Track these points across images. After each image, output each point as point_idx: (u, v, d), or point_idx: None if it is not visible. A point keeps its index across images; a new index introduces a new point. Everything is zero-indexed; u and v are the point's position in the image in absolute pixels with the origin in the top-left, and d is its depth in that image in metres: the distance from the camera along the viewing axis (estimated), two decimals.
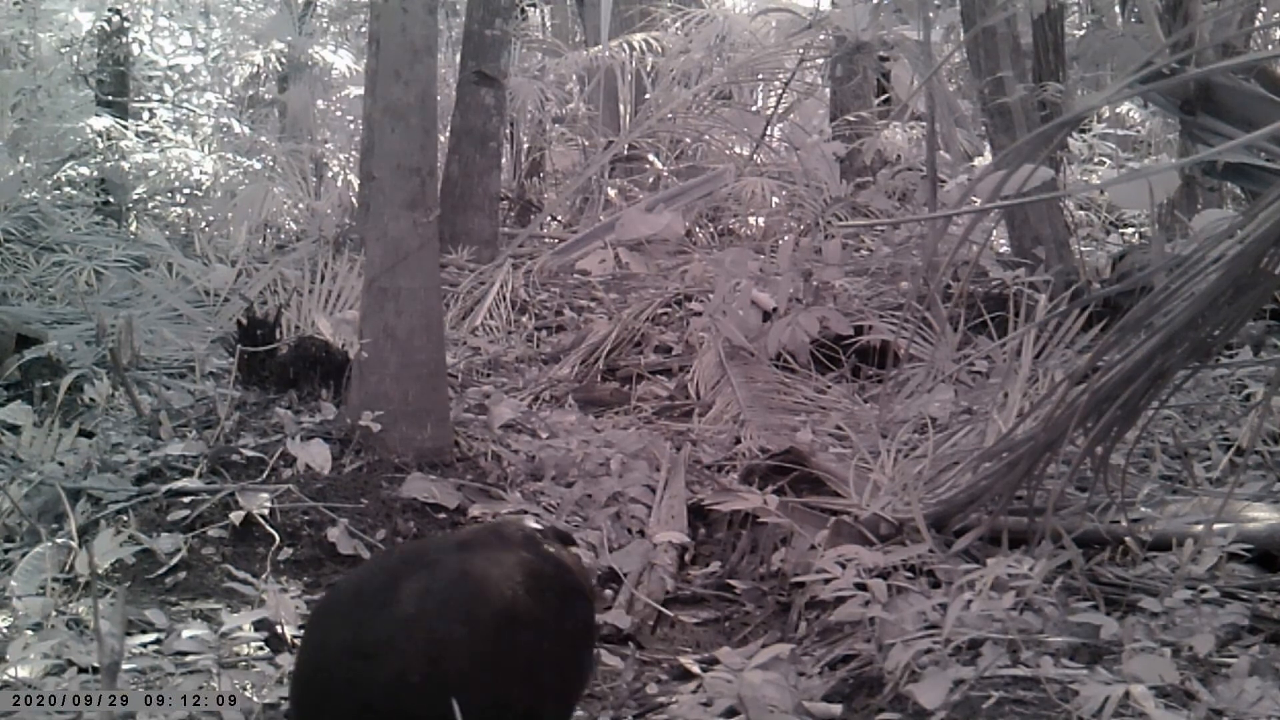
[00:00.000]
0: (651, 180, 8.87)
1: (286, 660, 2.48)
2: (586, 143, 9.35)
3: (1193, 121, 2.77)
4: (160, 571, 3.18)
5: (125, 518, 3.34)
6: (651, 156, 9.01)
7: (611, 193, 8.67)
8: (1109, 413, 2.65)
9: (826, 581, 2.83)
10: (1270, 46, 7.03)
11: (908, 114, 8.38)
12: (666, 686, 2.81)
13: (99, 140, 10.22)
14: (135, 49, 11.71)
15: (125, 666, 2.45)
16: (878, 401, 4.78)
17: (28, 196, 7.93)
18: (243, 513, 3.37)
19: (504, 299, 6.47)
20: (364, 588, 2.00)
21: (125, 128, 10.56)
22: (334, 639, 1.88)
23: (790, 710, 2.35)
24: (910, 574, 2.85)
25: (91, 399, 4.25)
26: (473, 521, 3.68)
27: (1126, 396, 2.62)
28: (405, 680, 1.78)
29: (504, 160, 8.63)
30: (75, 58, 11.39)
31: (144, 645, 2.74)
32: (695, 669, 2.83)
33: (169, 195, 10.95)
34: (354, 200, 8.40)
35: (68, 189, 10.02)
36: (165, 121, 11.65)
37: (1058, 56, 7.20)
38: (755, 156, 8.11)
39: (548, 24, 11.72)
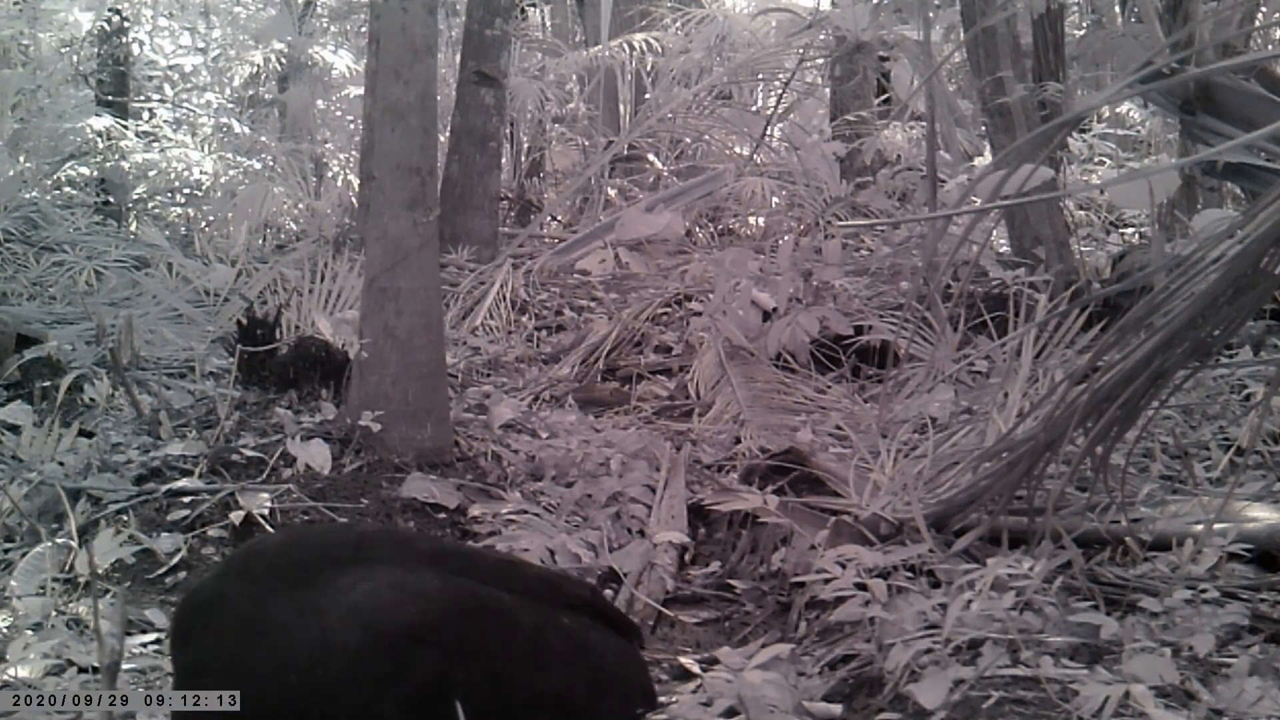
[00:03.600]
0: (651, 180, 8.86)
1: None
2: (586, 143, 9.35)
3: (1193, 121, 2.76)
4: (160, 571, 3.18)
5: (125, 518, 3.34)
6: (651, 156, 9.01)
7: (611, 193, 8.67)
8: (1109, 413, 2.65)
9: (826, 581, 2.83)
10: (1270, 46, 7.03)
11: (908, 114, 8.37)
12: (666, 686, 2.80)
13: (99, 140, 10.22)
14: (135, 49, 11.71)
15: (125, 666, 2.45)
16: (878, 401, 4.78)
17: (28, 196, 7.93)
18: (243, 513, 3.37)
19: (504, 299, 6.47)
20: (289, 559, 1.86)
21: (125, 128, 10.56)
22: (232, 597, 1.77)
23: (790, 710, 2.35)
24: (910, 574, 2.85)
25: (91, 399, 4.25)
26: (473, 521, 3.68)
27: (1126, 396, 2.62)
28: (285, 673, 1.69)
29: (504, 160, 8.62)
30: (75, 58, 11.38)
31: (144, 645, 2.74)
32: (695, 669, 2.83)
33: (169, 195, 10.95)
34: (354, 200, 8.40)
35: (68, 189, 10.02)
36: (165, 121, 11.65)
37: (1058, 56, 7.20)
38: (755, 156, 8.11)
39: (548, 24, 11.71)
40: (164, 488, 3.49)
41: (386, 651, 1.74)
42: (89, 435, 3.92)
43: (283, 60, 11.11)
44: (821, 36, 7.73)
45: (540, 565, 3.33)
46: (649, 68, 9.08)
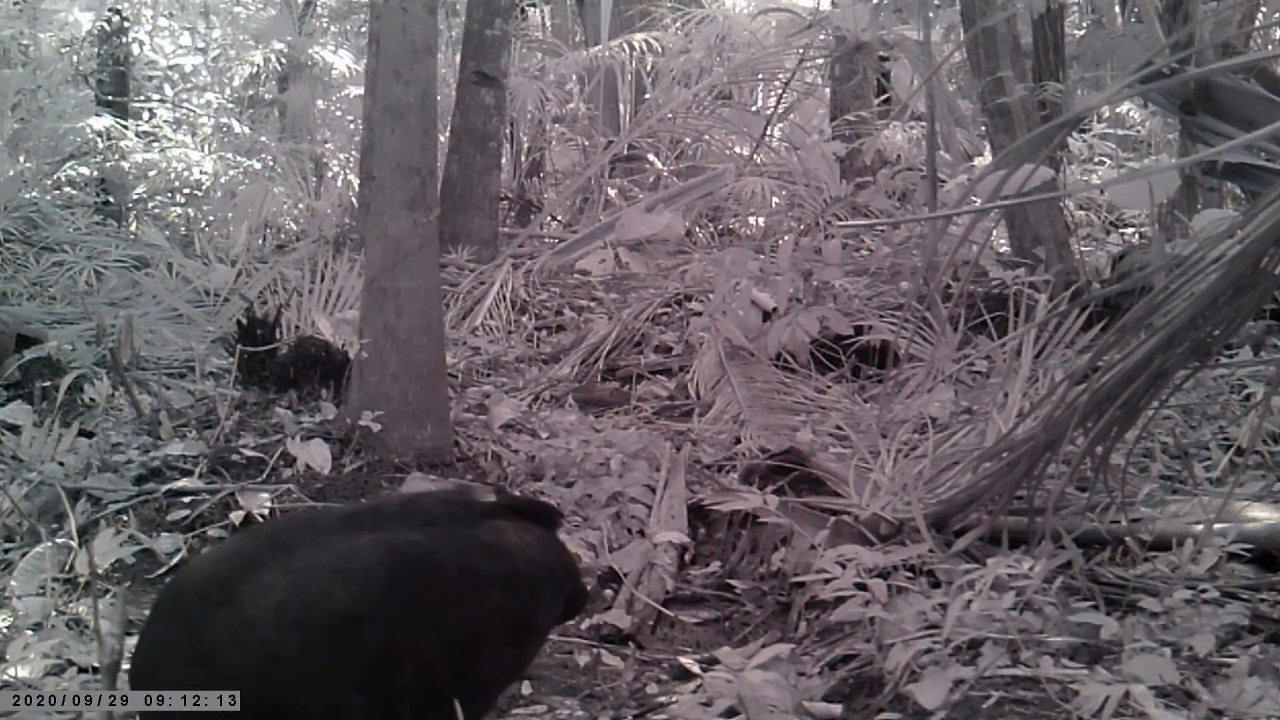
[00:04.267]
0: (651, 180, 8.87)
1: None
2: (586, 143, 9.35)
3: (1193, 121, 2.77)
4: (160, 571, 3.19)
5: (125, 518, 3.34)
6: (651, 156, 9.01)
7: (611, 193, 8.67)
8: (1109, 413, 2.65)
9: (826, 581, 2.83)
10: (1270, 46, 7.03)
11: (908, 114, 8.38)
12: (666, 686, 2.81)
13: (99, 140, 10.22)
14: (135, 49, 11.71)
15: (125, 666, 2.45)
16: (878, 401, 4.78)
17: (28, 196, 7.93)
18: (243, 513, 3.37)
19: (504, 299, 6.47)
20: (210, 580, 1.85)
21: (125, 128, 10.56)
22: (170, 638, 1.77)
23: (790, 710, 2.35)
24: (910, 574, 2.85)
25: (91, 399, 4.25)
26: None
27: (1126, 396, 2.62)
28: (241, 692, 1.69)
29: (504, 160, 8.62)
30: (75, 58, 11.39)
31: None
32: (695, 669, 2.83)
33: (169, 195, 10.95)
34: (354, 200, 8.40)
35: (68, 189, 10.02)
36: (165, 121, 11.64)
37: (1058, 56, 7.20)
38: (755, 156, 8.11)
39: (548, 24, 11.71)
40: (164, 488, 3.49)
41: (327, 640, 1.75)
42: (89, 435, 3.92)
43: (283, 60, 11.11)
44: (821, 36, 7.73)
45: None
46: (649, 68, 9.08)
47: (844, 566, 2.84)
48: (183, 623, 1.77)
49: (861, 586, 2.70)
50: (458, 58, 8.20)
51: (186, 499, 3.45)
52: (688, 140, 9.08)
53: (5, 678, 2.47)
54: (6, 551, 3.19)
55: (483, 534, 2.01)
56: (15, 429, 3.91)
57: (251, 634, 1.72)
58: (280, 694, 1.72)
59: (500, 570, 1.97)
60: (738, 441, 4.51)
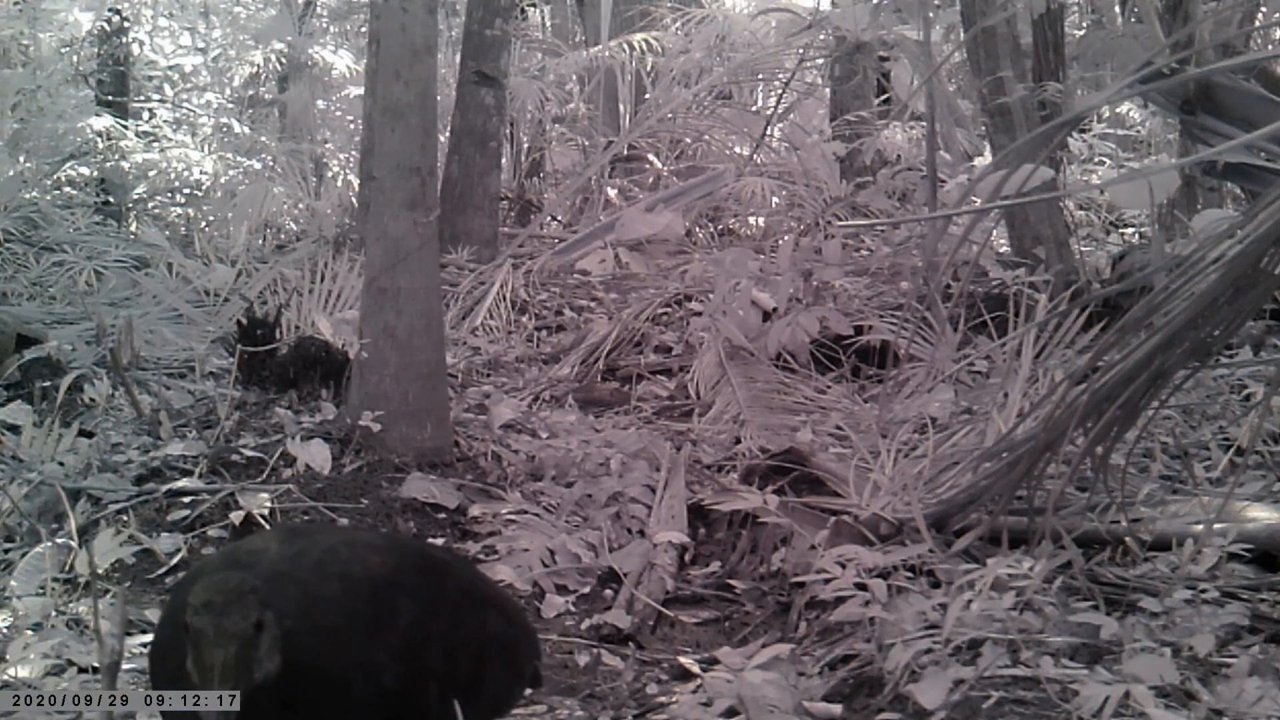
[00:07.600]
0: (651, 180, 8.86)
1: None
2: (586, 143, 9.34)
3: (1193, 121, 2.77)
4: (160, 571, 3.19)
5: (125, 518, 3.34)
6: (651, 156, 9.00)
7: (611, 193, 8.66)
8: (1109, 413, 2.65)
9: (826, 581, 2.84)
10: (1270, 46, 7.03)
11: (908, 114, 8.37)
12: (666, 686, 2.81)
13: (99, 140, 10.20)
14: (135, 49, 11.68)
15: (125, 666, 2.45)
16: (878, 401, 4.78)
17: (28, 196, 7.92)
18: (243, 513, 3.37)
19: (504, 299, 6.47)
20: (235, 553, 1.83)
21: (125, 128, 10.54)
22: (198, 598, 1.64)
23: (790, 710, 2.36)
24: (910, 574, 2.85)
25: (91, 399, 4.25)
26: (473, 521, 3.69)
27: (1126, 396, 2.62)
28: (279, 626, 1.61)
29: (504, 160, 8.62)
30: (75, 58, 11.36)
31: (144, 645, 2.74)
32: (695, 669, 2.84)
33: (169, 195, 10.93)
34: (354, 200, 8.40)
35: (68, 189, 10.00)
36: (165, 121, 11.62)
37: (1058, 56, 7.21)
38: (755, 156, 8.11)
39: (548, 24, 11.70)
40: (164, 488, 3.49)
41: (369, 599, 1.73)
42: (89, 435, 3.92)
43: (283, 60, 11.11)
44: (821, 36, 7.73)
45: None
46: (649, 68, 9.07)
47: (844, 566, 2.84)
48: (216, 576, 1.68)
49: (861, 586, 2.71)
50: (458, 58, 8.19)
51: (186, 499, 3.45)
52: (688, 140, 9.07)
53: (5, 678, 2.47)
54: (6, 551, 3.19)
55: (487, 579, 2.16)
56: (15, 429, 3.91)
57: (288, 580, 1.68)
58: (317, 642, 1.66)
59: (498, 598, 2.06)
60: (738, 441, 4.51)
